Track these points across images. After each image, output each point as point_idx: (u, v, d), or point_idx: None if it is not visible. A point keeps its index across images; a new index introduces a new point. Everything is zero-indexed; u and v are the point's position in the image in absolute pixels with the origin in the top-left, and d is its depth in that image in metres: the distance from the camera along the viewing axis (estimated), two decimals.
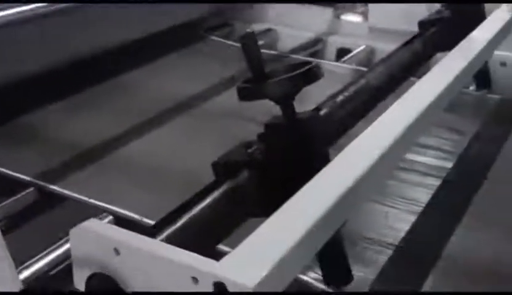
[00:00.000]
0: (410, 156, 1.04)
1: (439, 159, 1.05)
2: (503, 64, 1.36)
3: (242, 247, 0.57)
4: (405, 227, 0.89)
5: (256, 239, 0.58)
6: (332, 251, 0.77)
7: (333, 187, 0.65)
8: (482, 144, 1.14)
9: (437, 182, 0.97)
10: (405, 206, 0.97)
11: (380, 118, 0.80)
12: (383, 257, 0.85)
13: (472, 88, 1.34)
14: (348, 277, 0.78)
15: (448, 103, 1.22)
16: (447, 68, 0.96)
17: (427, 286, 0.78)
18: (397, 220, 0.91)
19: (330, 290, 0.79)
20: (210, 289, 0.51)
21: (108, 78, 1.33)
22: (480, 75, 1.32)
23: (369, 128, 0.77)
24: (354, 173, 0.68)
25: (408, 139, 0.80)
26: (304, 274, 0.80)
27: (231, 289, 0.51)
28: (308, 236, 0.59)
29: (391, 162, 0.77)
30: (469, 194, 0.98)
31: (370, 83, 1.04)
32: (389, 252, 0.86)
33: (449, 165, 1.02)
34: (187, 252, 0.55)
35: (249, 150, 0.76)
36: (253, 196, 0.71)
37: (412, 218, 0.91)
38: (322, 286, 0.77)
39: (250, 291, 0.50)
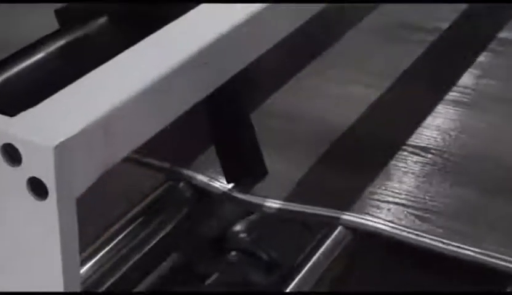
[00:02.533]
0: None
1: None
2: None
3: (49, 102, 0.53)
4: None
5: (70, 93, 0.53)
6: (240, 141, 0.75)
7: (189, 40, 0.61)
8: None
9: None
10: None
11: None
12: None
13: None
14: (261, 171, 0.75)
15: None
16: None
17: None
18: None
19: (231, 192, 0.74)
20: None
21: None
22: None
23: None
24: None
25: None
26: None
27: (23, 152, 0.47)
28: (145, 94, 0.54)
29: None
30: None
31: None
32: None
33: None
34: None
35: None
36: (105, 49, 0.64)
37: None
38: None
39: (50, 154, 0.46)
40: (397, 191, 0.75)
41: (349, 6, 1.03)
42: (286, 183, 0.75)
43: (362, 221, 0.71)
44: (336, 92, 0.91)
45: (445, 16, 1.05)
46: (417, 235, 0.70)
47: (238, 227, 0.75)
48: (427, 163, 0.78)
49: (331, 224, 0.71)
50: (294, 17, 0.70)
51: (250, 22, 0.64)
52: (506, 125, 0.85)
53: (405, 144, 0.81)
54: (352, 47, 0.98)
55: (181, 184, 0.77)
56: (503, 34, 1.02)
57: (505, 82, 0.93)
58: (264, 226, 0.75)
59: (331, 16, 0.85)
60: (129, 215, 0.74)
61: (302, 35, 0.71)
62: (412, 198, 0.74)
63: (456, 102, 0.88)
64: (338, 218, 0.71)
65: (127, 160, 0.63)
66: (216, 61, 0.62)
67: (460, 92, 0.91)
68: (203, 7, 0.64)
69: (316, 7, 0.71)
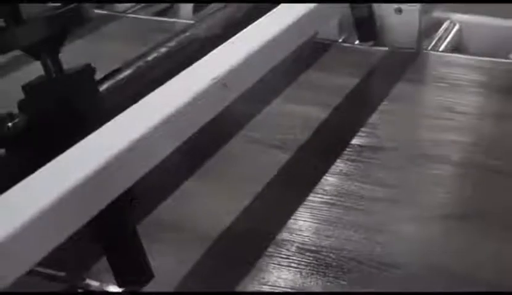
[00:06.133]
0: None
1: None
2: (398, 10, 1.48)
3: None
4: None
5: None
6: (122, 244, 0.82)
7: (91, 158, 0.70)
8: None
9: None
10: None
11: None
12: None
13: (356, 42, 1.52)
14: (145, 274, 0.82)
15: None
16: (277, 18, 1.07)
17: None
18: None
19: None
20: None
21: None
22: (364, 26, 1.48)
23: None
24: (122, 140, 0.74)
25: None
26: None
27: None
28: (53, 212, 0.63)
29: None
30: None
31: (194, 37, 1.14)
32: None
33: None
34: None
35: (9, 124, 0.78)
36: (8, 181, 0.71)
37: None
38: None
39: None
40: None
41: None
42: (173, 284, 0.86)
43: None
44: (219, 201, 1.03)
45: None
46: None
47: None
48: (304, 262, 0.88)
49: None
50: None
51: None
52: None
53: (279, 241, 0.91)
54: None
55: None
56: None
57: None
58: None
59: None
60: None
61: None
62: None
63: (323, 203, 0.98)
64: None
65: None
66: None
67: (324, 194, 1.00)
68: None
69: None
